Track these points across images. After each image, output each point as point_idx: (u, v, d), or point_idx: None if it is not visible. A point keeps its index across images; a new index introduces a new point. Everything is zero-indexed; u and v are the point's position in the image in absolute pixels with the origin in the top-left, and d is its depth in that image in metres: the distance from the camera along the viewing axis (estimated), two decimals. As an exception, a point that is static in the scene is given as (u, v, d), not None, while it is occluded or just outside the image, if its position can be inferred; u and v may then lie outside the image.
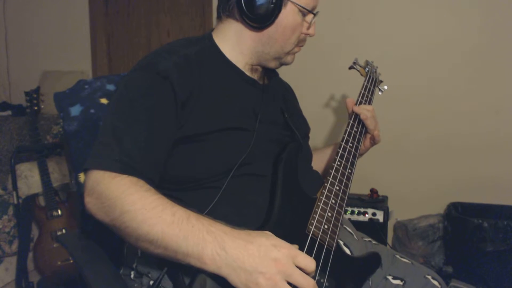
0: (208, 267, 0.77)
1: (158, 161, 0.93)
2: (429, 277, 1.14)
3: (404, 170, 2.46)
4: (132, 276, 1.04)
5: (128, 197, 0.81)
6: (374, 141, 1.27)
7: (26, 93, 2.42)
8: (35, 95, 2.42)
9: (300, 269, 0.78)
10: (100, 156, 0.88)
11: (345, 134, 1.19)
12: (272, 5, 1.02)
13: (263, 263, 0.75)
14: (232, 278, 0.76)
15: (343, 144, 1.16)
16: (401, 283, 1.10)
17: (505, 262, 2.03)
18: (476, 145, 2.33)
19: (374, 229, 2.13)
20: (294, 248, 0.79)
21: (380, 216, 2.17)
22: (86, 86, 1.24)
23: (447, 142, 2.38)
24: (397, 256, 1.20)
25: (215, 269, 0.76)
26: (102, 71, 3.06)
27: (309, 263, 0.79)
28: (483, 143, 2.32)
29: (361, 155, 1.26)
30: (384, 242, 2.13)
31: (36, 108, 2.41)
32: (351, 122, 1.23)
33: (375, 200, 2.27)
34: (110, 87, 1.27)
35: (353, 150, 1.16)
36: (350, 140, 1.18)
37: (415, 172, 2.45)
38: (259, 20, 1.04)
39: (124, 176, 0.85)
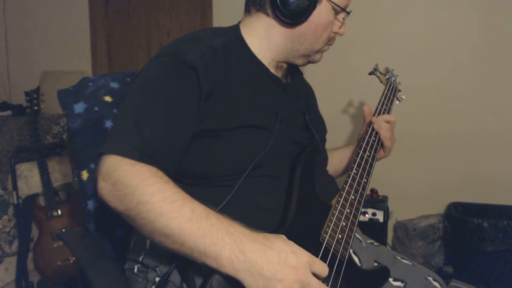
0: (224, 269, 0.75)
1: (176, 153, 0.91)
2: (430, 278, 1.13)
3: (404, 170, 2.46)
4: (135, 270, 1.03)
5: (148, 188, 0.78)
6: (384, 151, 1.26)
7: (26, 93, 2.42)
8: (35, 95, 2.41)
9: (315, 275, 0.77)
10: (119, 141, 0.85)
11: (363, 142, 1.17)
12: (307, 2, 1.00)
13: (282, 270, 0.74)
14: (249, 282, 0.74)
15: (360, 152, 1.14)
16: (402, 285, 1.10)
17: (505, 262, 2.04)
18: (476, 145, 2.34)
19: (374, 229, 2.13)
20: (311, 255, 0.78)
21: (380, 216, 2.17)
22: (90, 84, 1.23)
23: (447, 142, 2.38)
24: (398, 257, 1.19)
25: (231, 272, 0.75)
26: (102, 71, 3.05)
27: (324, 269, 0.78)
28: (483, 143, 2.32)
29: None
30: (384, 242, 2.13)
31: (36, 108, 2.40)
32: (369, 130, 1.20)
33: (375, 200, 2.27)
34: (114, 85, 1.27)
35: (370, 160, 1.14)
36: (368, 148, 1.16)
37: (415, 172, 2.45)
38: (293, 16, 1.02)
39: (143, 164, 0.82)
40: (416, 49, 2.39)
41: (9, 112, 2.84)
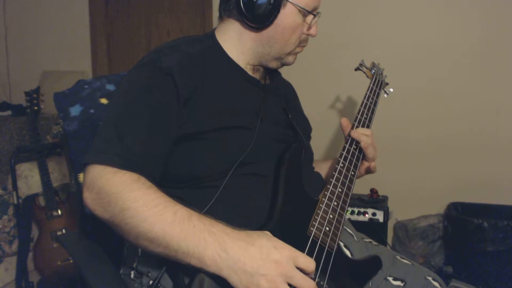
0: (208, 268, 0.76)
1: (159, 158, 0.93)
2: (430, 278, 1.13)
3: (404, 170, 2.46)
4: (132, 276, 1.04)
5: (130, 194, 0.80)
6: (370, 171, 1.22)
7: (26, 93, 2.42)
8: (35, 95, 2.41)
9: (301, 270, 0.78)
10: (101, 151, 0.87)
11: (349, 136, 1.17)
12: (270, 6, 1.01)
13: (265, 265, 0.75)
14: (233, 279, 0.75)
15: (347, 146, 1.14)
16: (402, 284, 1.10)
17: (505, 262, 2.04)
18: (476, 145, 2.33)
19: (374, 229, 2.13)
20: (294, 250, 0.79)
21: (380, 216, 2.17)
22: (86, 86, 1.24)
23: (447, 142, 2.38)
24: (398, 257, 1.20)
25: (215, 270, 0.76)
26: (102, 71, 3.06)
27: (310, 264, 0.79)
28: (483, 143, 2.32)
29: (358, 177, 1.19)
30: (384, 242, 2.13)
31: (36, 108, 2.40)
32: (350, 139, 1.17)
33: (375, 200, 2.27)
34: (110, 87, 1.27)
35: (356, 152, 1.15)
36: (355, 142, 1.16)
37: (415, 172, 2.45)
38: (258, 20, 1.03)
39: (125, 171, 0.84)
40: (415, 49, 2.39)
41: (9, 112, 2.83)
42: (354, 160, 1.13)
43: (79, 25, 3.05)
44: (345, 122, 1.20)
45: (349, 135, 1.17)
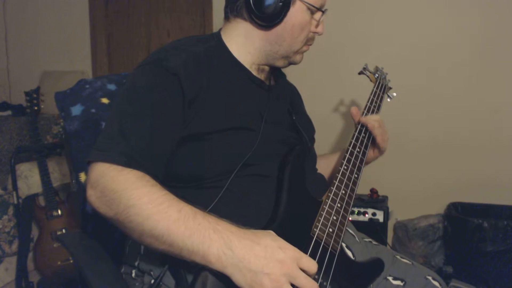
0: (213, 266, 0.77)
1: (162, 158, 0.93)
2: (430, 277, 1.13)
3: (404, 170, 2.46)
4: (133, 274, 1.04)
5: (134, 191, 0.80)
6: (379, 150, 1.26)
7: (26, 93, 2.42)
8: (35, 95, 2.41)
9: (303, 271, 0.78)
10: (105, 149, 0.87)
11: (352, 138, 1.19)
12: (280, 3, 1.02)
13: (269, 264, 0.75)
14: (237, 278, 0.76)
15: (350, 148, 1.15)
16: (402, 284, 1.10)
17: (505, 262, 2.03)
18: (476, 145, 2.33)
19: (374, 229, 2.13)
20: (298, 251, 0.80)
21: (380, 216, 2.17)
22: (87, 86, 1.24)
23: (447, 142, 2.38)
24: (398, 256, 1.20)
25: (220, 268, 0.76)
26: (102, 71, 3.05)
27: (312, 266, 0.79)
28: (483, 143, 2.32)
29: (367, 163, 1.25)
30: (384, 242, 2.13)
31: (36, 108, 2.40)
32: (359, 127, 1.22)
33: (375, 200, 2.27)
34: (111, 86, 1.27)
35: (360, 155, 1.16)
36: (358, 145, 1.18)
37: (415, 172, 2.45)
38: (268, 18, 1.04)
39: (130, 169, 0.84)
40: (415, 49, 2.39)
41: (9, 112, 2.83)
42: (358, 163, 1.14)
43: (79, 25, 3.04)
44: (355, 111, 1.25)
45: (358, 122, 1.22)
